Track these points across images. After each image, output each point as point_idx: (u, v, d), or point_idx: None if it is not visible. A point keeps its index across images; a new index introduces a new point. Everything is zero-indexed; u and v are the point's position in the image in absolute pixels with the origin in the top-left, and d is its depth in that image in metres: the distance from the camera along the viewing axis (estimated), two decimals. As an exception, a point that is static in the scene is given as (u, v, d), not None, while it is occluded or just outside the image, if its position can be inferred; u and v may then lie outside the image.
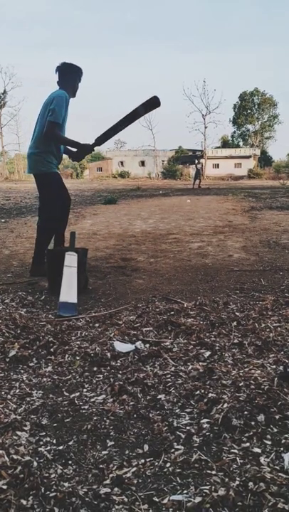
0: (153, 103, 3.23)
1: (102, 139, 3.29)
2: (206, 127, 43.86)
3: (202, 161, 22.23)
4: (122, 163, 49.66)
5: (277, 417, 1.42)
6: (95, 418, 1.46)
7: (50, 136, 3.23)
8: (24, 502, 1.07)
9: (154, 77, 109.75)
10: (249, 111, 56.54)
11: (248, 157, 47.59)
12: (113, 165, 49.64)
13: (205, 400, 1.53)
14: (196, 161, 22.43)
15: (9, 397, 1.61)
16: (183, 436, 1.36)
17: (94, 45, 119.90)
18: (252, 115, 56.36)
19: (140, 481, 1.17)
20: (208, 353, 1.94)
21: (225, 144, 56.18)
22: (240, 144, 57.85)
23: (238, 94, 56.66)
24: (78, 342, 2.10)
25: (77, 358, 1.93)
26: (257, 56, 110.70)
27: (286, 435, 1.34)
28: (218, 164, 47.71)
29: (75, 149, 3.43)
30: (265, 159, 51.35)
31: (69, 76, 3.36)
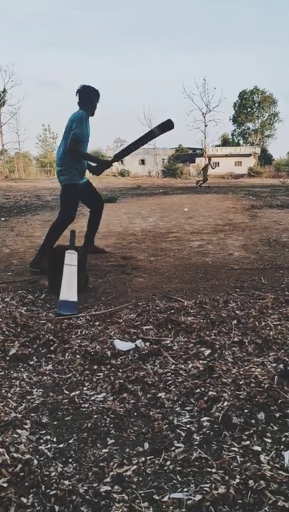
0: (167, 125, 3.66)
1: (120, 155, 3.70)
2: (206, 125, 43.67)
3: (212, 161, 21.51)
4: (122, 161, 49.58)
5: (277, 415, 1.42)
6: (95, 416, 1.47)
7: (72, 151, 3.55)
8: (24, 500, 1.08)
9: (154, 76, 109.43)
10: (249, 109, 56.45)
11: (248, 155, 47.49)
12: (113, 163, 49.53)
13: (205, 398, 1.53)
14: (208, 161, 21.81)
15: (9, 395, 1.62)
16: (183, 434, 1.36)
17: (94, 45, 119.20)
18: (252, 113, 56.27)
19: (140, 479, 1.17)
20: (208, 352, 1.94)
21: (225, 142, 56.06)
22: (241, 142, 57.76)
23: (238, 92, 56.59)
24: (78, 340, 2.10)
25: (78, 356, 1.93)
26: (257, 56, 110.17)
27: (286, 433, 1.34)
28: (218, 163, 47.55)
29: (94, 164, 3.83)
30: (265, 157, 51.24)
31: (87, 97, 3.67)
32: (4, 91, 40.40)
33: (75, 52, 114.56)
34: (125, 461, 1.24)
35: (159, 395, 1.59)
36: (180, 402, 1.54)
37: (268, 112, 56.22)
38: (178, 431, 1.38)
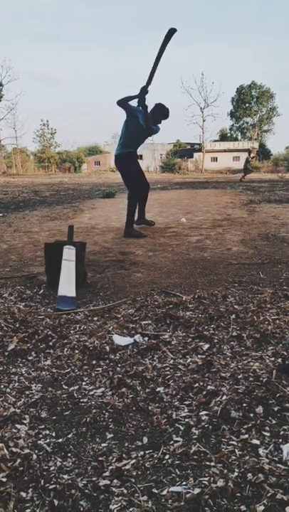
0: (170, 32, 4.42)
1: (149, 81, 4.49)
2: (204, 120, 43.51)
3: (252, 155, 20.87)
4: (120, 157, 49.28)
5: (275, 408, 1.43)
6: (94, 411, 1.47)
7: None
8: (24, 494, 1.08)
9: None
10: (247, 104, 56.28)
11: (247, 150, 47.41)
12: (111, 159, 49.37)
13: (204, 393, 1.53)
14: (248, 153, 21.27)
15: (8, 390, 1.62)
16: (182, 428, 1.36)
17: (91, 40, 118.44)
18: (250, 108, 56.12)
19: (139, 473, 1.17)
20: (206, 346, 1.94)
21: (223, 137, 55.95)
22: (239, 137, 57.63)
23: (236, 87, 56.39)
24: (77, 336, 2.10)
25: (76, 351, 1.93)
26: (254, 49, 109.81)
27: (284, 427, 1.35)
28: (216, 158, 47.53)
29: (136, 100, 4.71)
30: (263, 152, 51.15)
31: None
32: (1, 85, 40.16)
33: (72, 46, 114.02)
34: (124, 455, 1.24)
35: (158, 389, 1.59)
36: (179, 396, 1.55)
37: (265, 106, 56.07)
38: (177, 425, 1.38)
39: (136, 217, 5.34)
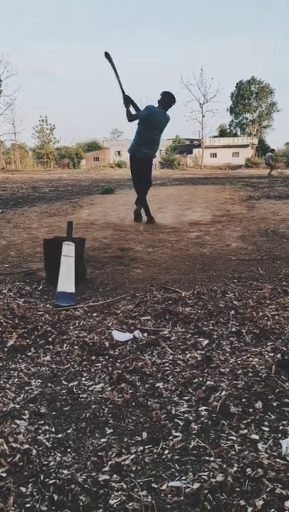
0: (108, 56, 5.20)
1: (122, 89, 5.29)
2: (203, 116, 43.30)
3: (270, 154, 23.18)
4: (119, 152, 49.19)
5: (274, 404, 1.43)
6: (93, 406, 1.47)
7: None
8: (23, 489, 1.08)
9: (151, 66, 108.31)
10: (247, 100, 56.03)
11: (246, 146, 47.24)
12: (110, 154, 49.23)
13: (203, 388, 1.53)
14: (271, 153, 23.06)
15: (8, 386, 1.62)
16: (181, 423, 1.37)
17: (90, 36, 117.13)
18: (249, 104, 55.88)
19: (139, 467, 1.18)
20: (206, 342, 1.94)
21: (222, 133, 55.73)
22: (238, 133, 57.44)
23: (235, 83, 56.11)
24: (76, 331, 2.10)
25: (76, 347, 1.93)
26: (254, 45, 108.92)
27: (283, 422, 1.35)
28: (215, 153, 47.37)
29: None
30: (262, 148, 50.95)
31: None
32: (-1, 81, 39.94)
33: (72, 45, 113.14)
34: (124, 450, 1.24)
35: (157, 384, 1.59)
36: (178, 391, 1.55)
37: (265, 102, 55.82)
38: (176, 420, 1.38)
39: (142, 217, 5.80)
